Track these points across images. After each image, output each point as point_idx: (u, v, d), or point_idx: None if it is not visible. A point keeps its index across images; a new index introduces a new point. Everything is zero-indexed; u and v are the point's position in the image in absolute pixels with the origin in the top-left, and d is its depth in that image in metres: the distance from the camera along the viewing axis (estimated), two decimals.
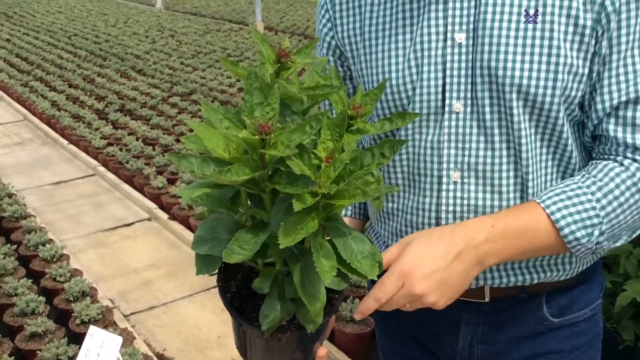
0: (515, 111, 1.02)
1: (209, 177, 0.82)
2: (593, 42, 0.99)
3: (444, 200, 1.09)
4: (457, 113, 1.06)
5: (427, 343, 1.27)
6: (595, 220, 0.99)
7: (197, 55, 9.85)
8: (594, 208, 0.99)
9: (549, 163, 1.07)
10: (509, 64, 1.00)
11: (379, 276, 0.93)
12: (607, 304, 2.37)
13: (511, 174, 1.06)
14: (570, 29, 0.99)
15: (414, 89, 1.07)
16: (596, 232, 0.99)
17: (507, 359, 1.19)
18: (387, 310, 0.98)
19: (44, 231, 3.98)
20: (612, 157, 1.02)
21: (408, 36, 1.08)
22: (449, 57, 1.04)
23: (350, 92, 1.22)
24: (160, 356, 3.04)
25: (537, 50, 1.00)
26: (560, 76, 1.00)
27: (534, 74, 1.00)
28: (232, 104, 7.02)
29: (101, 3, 17.27)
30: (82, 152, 5.81)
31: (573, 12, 0.98)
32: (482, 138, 1.05)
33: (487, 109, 1.04)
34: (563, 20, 0.99)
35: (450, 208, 1.09)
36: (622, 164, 1.00)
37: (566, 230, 0.98)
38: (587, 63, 1.00)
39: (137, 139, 5.77)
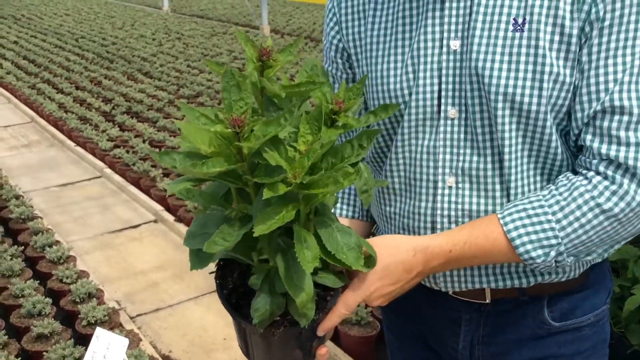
0: (500, 120, 1.02)
1: (187, 171, 0.85)
2: (579, 51, 0.99)
3: (439, 205, 1.11)
4: (452, 119, 1.07)
5: (431, 342, 1.29)
6: (553, 241, 0.98)
7: (203, 58, 9.86)
8: (552, 229, 0.98)
9: (533, 172, 1.07)
10: (495, 72, 1.01)
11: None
12: (615, 308, 2.36)
13: (497, 179, 1.07)
14: (557, 37, 0.99)
15: (410, 94, 1.09)
16: (552, 253, 0.99)
17: None
18: None
19: (51, 233, 3.99)
20: (586, 169, 1.00)
21: (407, 42, 1.10)
22: (444, 64, 1.06)
23: None
24: (166, 358, 3.04)
25: (522, 58, 1.00)
26: (545, 85, 0.99)
27: (520, 82, 1.00)
28: None
29: (108, 6, 17.34)
30: (89, 154, 5.83)
31: (559, 21, 0.98)
32: (473, 144, 1.07)
33: (477, 116, 1.05)
34: (549, 29, 0.99)
35: (446, 212, 1.11)
36: (590, 181, 0.98)
37: (521, 249, 0.99)
38: (574, 72, 1.00)
39: (144, 141, 5.79)
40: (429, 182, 1.11)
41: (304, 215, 0.90)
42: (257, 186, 0.89)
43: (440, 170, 1.09)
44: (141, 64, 9.43)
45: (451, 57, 1.05)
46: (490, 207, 1.08)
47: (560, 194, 1.00)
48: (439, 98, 1.07)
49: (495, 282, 1.13)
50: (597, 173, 0.98)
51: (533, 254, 0.99)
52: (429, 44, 1.06)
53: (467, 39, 1.04)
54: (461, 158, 1.08)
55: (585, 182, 0.98)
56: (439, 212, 1.11)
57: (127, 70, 8.97)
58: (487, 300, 1.15)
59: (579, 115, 1.00)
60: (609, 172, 0.96)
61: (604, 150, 0.97)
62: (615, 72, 0.96)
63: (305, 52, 10.48)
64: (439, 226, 1.11)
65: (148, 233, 4.39)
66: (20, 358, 2.78)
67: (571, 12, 0.97)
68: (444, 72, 1.06)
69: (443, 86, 1.06)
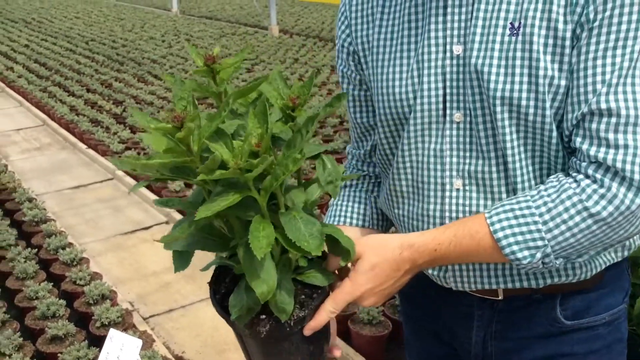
0: (500, 123, 1.03)
1: (136, 166, 0.92)
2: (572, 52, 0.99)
3: (447, 207, 1.12)
4: (458, 123, 1.08)
5: (445, 337, 1.30)
6: (540, 243, 0.98)
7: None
8: (539, 230, 0.97)
9: (539, 172, 1.07)
10: (493, 77, 1.02)
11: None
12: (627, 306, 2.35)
13: (502, 181, 1.08)
14: (550, 41, 0.98)
15: (415, 98, 1.10)
16: (538, 255, 0.98)
17: (519, 357, 1.20)
18: None
19: (64, 235, 4.03)
20: (576, 171, 0.99)
21: (412, 46, 1.11)
22: (448, 69, 1.07)
23: (366, 94, 1.24)
24: (179, 358, 3.06)
25: (518, 62, 1.00)
26: (541, 88, 0.99)
27: (517, 87, 1.00)
28: None
29: (118, 8, 17.43)
30: (101, 157, 5.87)
31: (552, 24, 0.98)
32: (477, 147, 1.08)
33: (480, 119, 1.06)
34: (543, 32, 0.99)
35: (454, 215, 1.11)
36: (579, 184, 0.96)
37: (507, 250, 0.99)
38: (568, 75, 0.99)
39: None
40: (437, 185, 1.12)
41: (264, 206, 0.93)
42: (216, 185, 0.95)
43: (447, 173, 1.10)
44: (151, 66, 9.48)
45: (454, 61, 1.06)
46: None
47: (549, 195, 0.98)
48: (444, 102, 1.08)
49: (505, 283, 1.13)
50: (586, 176, 0.96)
51: (519, 255, 0.98)
52: (433, 48, 1.08)
53: (468, 43, 1.05)
54: (467, 161, 1.09)
55: (574, 184, 0.97)
56: (447, 214, 1.12)
57: (137, 73, 9.02)
58: (500, 297, 1.16)
59: (569, 116, 1.00)
60: (598, 175, 0.95)
61: (592, 153, 0.96)
62: (603, 74, 0.95)
63: (313, 51, 10.48)
64: None
65: (160, 234, 4.41)
66: None
67: (564, 14, 0.97)
68: (448, 76, 1.07)
69: (447, 90, 1.07)
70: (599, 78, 0.96)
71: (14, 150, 6.32)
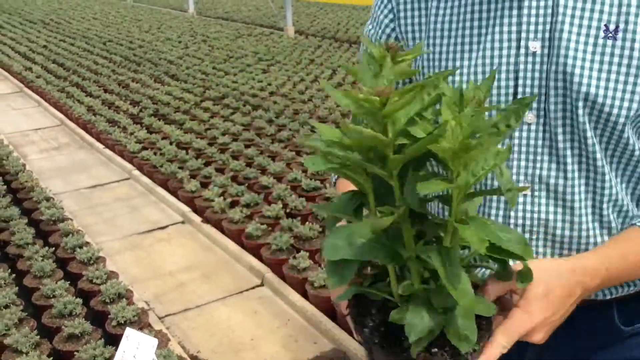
0: (587, 126, 0.97)
1: (344, 137, 0.78)
2: None
3: (512, 213, 1.06)
4: (529, 124, 1.02)
5: None
6: None
7: (228, 60, 9.93)
8: None
9: (625, 185, 1.02)
10: (585, 80, 0.96)
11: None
12: None
13: (582, 188, 1.02)
14: None
15: None
16: None
17: None
18: None
19: (81, 234, 4.05)
20: None
21: (475, 39, 1.05)
22: (521, 66, 1.00)
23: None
24: (195, 358, 3.06)
25: (614, 68, 0.95)
26: (637, 97, 0.95)
27: (610, 93, 0.95)
28: (264, 108, 7.06)
29: (135, 9, 17.54)
30: (118, 156, 5.91)
31: None
32: (552, 151, 1.01)
33: (559, 122, 1.00)
34: None
35: (520, 221, 1.05)
36: None
37: None
38: None
39: (171, 143, 5.84)
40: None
41: (456, 205, 0.80)
42: (401, 180, 0.81)
43: (514, 177, 1.03)
44: (168, 66, 9.52)
45: (530, 59, 1.00)
46: (568, 217, 1.03)
47: None
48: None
49: None
50: None
51: None
52: (505, 44, 1.01)
53: (551, 41, 0.98)
54: (538, 165, 1.02)
55: None
56: (512, 220, 1.06)
57: (154, 73, 9.06)
58: None
59: None
60: None
61: None
62: None
63: (329, 52, 10.47)
64: None
65: (176, 234, 4.43)
66: (52, 358, 2.82)
67: None
68: (521, 74, 1.00)
69: (520, 89, 1.01)
70: None
71: (32, 150, 6.38)
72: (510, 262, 0.85)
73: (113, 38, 12.34)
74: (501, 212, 1.06)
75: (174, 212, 4.77)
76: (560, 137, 1.00)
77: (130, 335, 2.47)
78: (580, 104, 0.96)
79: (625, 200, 1.04)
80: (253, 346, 3.15)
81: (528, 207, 1.04)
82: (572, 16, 0.97)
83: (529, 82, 1.00)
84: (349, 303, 0.92)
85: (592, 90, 0.96)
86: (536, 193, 1.04)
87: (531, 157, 1.02)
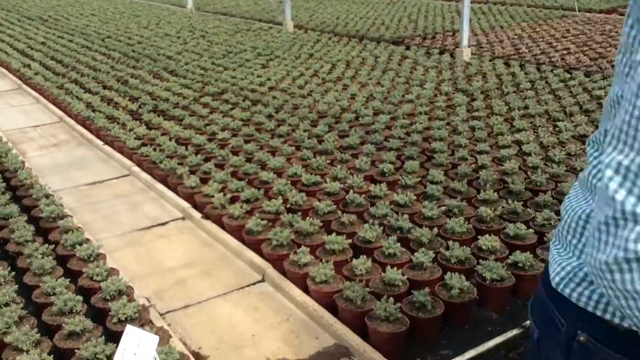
0: None
1: None
2: None
3: None
4: None
5: None
6: None
7: (227, 55, 9.90)
8: None
9: None
10: None
11: None
12: None
13: None
14: None
15: None
16: None
17: None
18: None
19: (81, 231, 4.04)
20: None
21: None
22: None
23: None
24: (196, 355, 3.05)
25: None
26: None
27: None
28: (263, 103, 7.03)
29: (133, 5, 17.48)
30: (117, 153, 5.89)
31: None
32: None
33: None
34: None
35: None
36: None
37: None
38: None
39: (170, 139, 5.82)
40: None
41: None
42: None
43: None
44: (166, 62, 9.50)
45: None
46: None
47: None
48: None
49: None
50: None
51: None
52: None
53: None
54: None
55: None
56: None
57: (152, 69, 9.03)
58: None
59: None
60: None
61: None
62: None
63: (328, 46, 10.43)
64: None
65: (176, 230, 4.41)
66: (52, 356, 2.81)
67: None
68: None
69: None
70: None
71: (31, 147, 6.36)
72: None
73: (112, 34, 12.30)
74: None
75: (173, 208, 4.76)
76: None
77: (131, 333, 2.46)
78: None
79: None
80: (254, 342, 3.14)
81: None
82: None
83: None
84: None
85: None
86: None
87: None
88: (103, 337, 2.90)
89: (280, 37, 11.41)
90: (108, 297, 3.25)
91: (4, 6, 17.56)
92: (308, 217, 4.00)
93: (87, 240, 3.93)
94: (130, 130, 6.20)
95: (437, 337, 3.09)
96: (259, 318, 3.34)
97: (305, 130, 5.95)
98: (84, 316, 3.08)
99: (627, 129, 0.85)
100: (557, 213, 3.98)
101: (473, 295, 3.18)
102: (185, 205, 4.66)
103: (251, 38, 11.48)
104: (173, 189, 4.94)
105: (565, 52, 9.39)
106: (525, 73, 8.09)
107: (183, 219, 4.59)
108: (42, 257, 3.61)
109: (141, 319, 3.10)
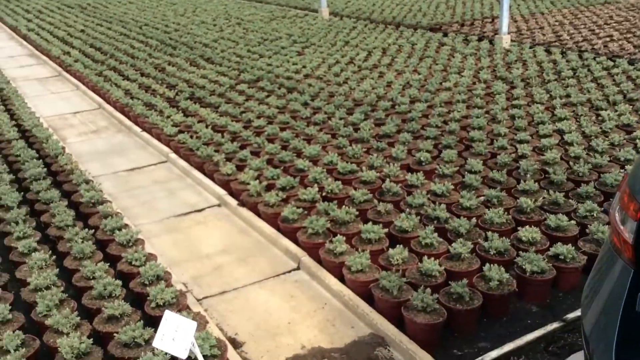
0: None
1: None
2: None
3: None
4: None
5: None
6: None
7: (263, 43, 9.90)
8: None
9: None
10: None
11: None
12: None
13: None
14: None
15: None
16: None
17: None
18: None
19: (120, 216, 4.09)
20: None
21: None
22: None
23: None
24: (233, 341, 3.07)
25: None
26: None
27: None
28: (298, 91, 7.01)
29: None
30: (155, 139, 5.95)
31: None
32: None
33: None
34: None
35: None
36: None
37: None
38: None
39: (207, 126, 5.85)
40: None
41: None
42: None
43: None
44: (203, 50, 9.54)
45: None
46: None
47: None
48: None
49: None
50: None
51: None
52: None
53: None
54: None
55: None
56: None
57: (189, 57, 9.09)
58: None
59: None
60: None
61: None
62: None
63: (364, 34, 10.34)
64: None
65: (212, 217, 4.44)
66: (92, 339, 2.85)
67: None
68: None
69: None
70: None
71: (72, 133, 6.47)
72: None
73: (149, 22, 12.41)
74: None
75: (210, 195, 4.78)
76: None
77: (169, 318, 2.48)
78: None
79: None
80: (290, 330, 3.14)
81: None
82: None
83: None
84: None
85: None
86: None
87: None
88: (141, 321, 2.93)
89: (315, 25, 11.35)
90: (146, 282, 3.29)
91: None
92: (344, 206, 3.98)
93: (126, 225, 3.98)
94: (168, 117, 6.25)
95: (475, 329, 3.05)
96: (295, 306, 3.34)
97: (340, 118, 5.91)
98: (122, 300, 3.12)
99: None
100: (600, 204, 3.88)
101: (512, 288, 3.12)
102: (222, 192, 4.68)
103: (287, 25, 11.45)
104: (209, 175, 4.96)
105: (608, 39, 9.14)
106: (567, 60, 7.90)
107: (219, 205, 4.61)
108: (82, 242, 3.67)
109: (178, 304, 3.13)
